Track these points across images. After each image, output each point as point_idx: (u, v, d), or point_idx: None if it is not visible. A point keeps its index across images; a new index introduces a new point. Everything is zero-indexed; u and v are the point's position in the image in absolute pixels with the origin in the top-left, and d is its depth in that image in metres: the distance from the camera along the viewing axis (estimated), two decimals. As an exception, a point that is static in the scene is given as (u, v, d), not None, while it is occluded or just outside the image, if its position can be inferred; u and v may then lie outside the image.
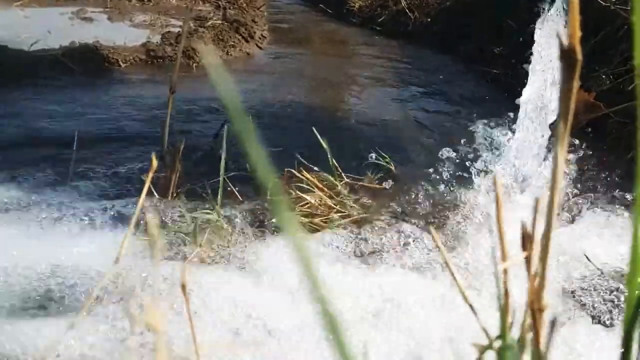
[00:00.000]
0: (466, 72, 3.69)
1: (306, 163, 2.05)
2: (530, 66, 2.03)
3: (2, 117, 2.63)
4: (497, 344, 0.48)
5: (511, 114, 2.30)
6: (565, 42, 0.38)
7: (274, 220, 1.80)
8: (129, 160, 2.25)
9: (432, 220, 1.90)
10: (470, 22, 4.04)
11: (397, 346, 1.33)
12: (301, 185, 1.95)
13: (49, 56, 3.37)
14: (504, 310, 0.48)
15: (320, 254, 1.69)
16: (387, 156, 2.25)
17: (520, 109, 2.06)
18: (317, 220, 1.85)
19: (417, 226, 1.86)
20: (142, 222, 1.76)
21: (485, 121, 2.59)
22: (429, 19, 4.54)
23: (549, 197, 0.42)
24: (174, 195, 1.90)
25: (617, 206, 1.99)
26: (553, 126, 2.06)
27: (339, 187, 1.99)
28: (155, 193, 1.90)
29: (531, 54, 2.00)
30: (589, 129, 2.41)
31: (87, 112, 2.77)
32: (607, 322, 1.46)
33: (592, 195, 2.06)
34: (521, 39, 2.98)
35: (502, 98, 3.04)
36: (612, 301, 1.53)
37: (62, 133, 2.46)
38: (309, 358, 1.29)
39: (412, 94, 3.35)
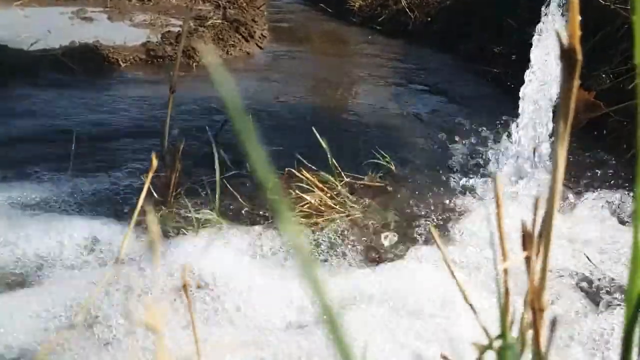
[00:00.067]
0: (466, 71, 3.68)
1: (306, 163, 2.05)
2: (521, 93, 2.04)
3: (1, 116, 2.63)
4: (498, 343, 0.48)
5: (511, 113, 2.29)
6: (565, 41, 0.38)
7: (274, 219, 1.80)
8: (129, 160, 2.25)
9: (433, 219, 1.90)
10: (471, 21, 4.04)
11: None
12: (301, 185, 1.95)
13: (49, 56, 3.37)
14: (504, 309, 0.48)
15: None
16: (387, 156, 2.25)
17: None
18: (317, 220, 1.85)
19: (417, 225, 1.86)
20: (142, 221, 1.76)
21: (486, 120, 2.59)
22: (429, 18, 4.53)
23: (549, 196, 0.42)
24: (174, 194, 1.90)
25: (617, 205, 1.99)
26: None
27: (339, 187, 1.99)
28: (155, 193, 1.90)
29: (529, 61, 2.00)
30: (590, 128, 2.41)
31: (86, 111, 2.77)
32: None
33: (592, 194, 2.06)
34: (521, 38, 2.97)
35: (502, 97, 3.05)
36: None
37: (61, 133, 2.46)
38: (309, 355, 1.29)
39: (412, 93, 3.35)
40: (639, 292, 0.41)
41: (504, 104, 2.56)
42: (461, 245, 1.76)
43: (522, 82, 2.12)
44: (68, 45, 3.50)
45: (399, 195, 2.06)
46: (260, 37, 4.22)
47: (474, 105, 3.02)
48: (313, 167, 2.05)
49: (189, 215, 1.80)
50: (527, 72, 2.04)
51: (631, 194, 2.02)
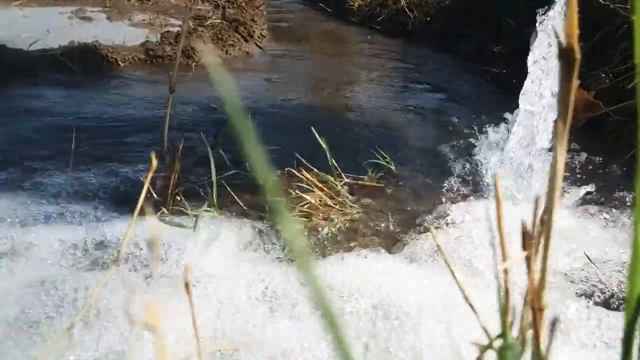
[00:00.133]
0: (465, 71, 3.68)
1: (306, 163, 2.05)
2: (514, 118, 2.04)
3: (0, 116, 2.63)
4: (498, 343, 0.48)
5: (510, 113, 2.29)
6: (564, 40, 0.38)
7: (273, 219, 1.80)
8: (128, 160, 2.25)
9: (432, 218, 1.90)
10: (470, 21, 4.04)
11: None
12: (301, 184, 1.95)
13: (48, 56, 3.37)
14: (504, 309, 0.48)
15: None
16: (387, 156, 2.25)
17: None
18: (317, 219, 1.85)
19: (417, 225, 1.86)
20: (142, 221, 1.76)
21: (485, 120, 2.59)
22: (428, 18, 4.54)
23: (549, 196, 0.42)
24: (174, 194, 1.90)
25: (617, 205, 1.99)
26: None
27: (339, 187, 1.99)
28: (154, 193, 1.90)
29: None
30: (589, 128, 2.41)
31: (86, 111, 2.76)
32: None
33: (591, 194, 2.06)
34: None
35: (501, 97, 3.04)
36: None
37: (61, 132, 2.46)
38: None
39: (411, 92, 3.35)
40: (639, 292, 0.41)
41: (503, 104, 2.56)
42: (461, 244, 1.76)
43: (522, 82, 2.12)
44: (67, 45, 3.50)
45: (399, 196, 2.06)
46: (259, 37, 4.21)
47: (473, 105, 3.02)
48: (313, 167, 2.04)
49: (189, 214, 1.80)
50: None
51: (632, 193, 2.02)
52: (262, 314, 1.43)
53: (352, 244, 1.76)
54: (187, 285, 0.67)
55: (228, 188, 1.94)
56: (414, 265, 1.66)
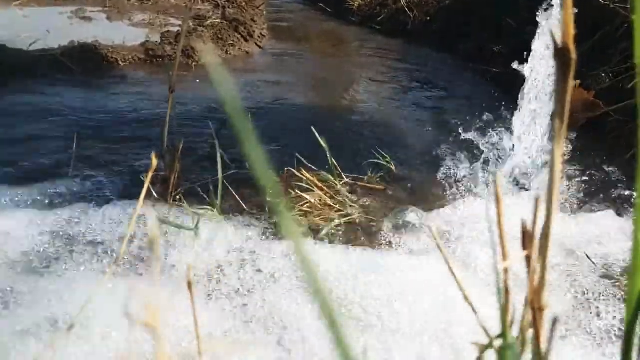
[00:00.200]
0: (465, 71, 3.68)
1: (306, 162, 2.05)
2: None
3: (0, 116, 2.63)
4: (498, 342, 0.48)
5: (510, 113, 2.29)
6: (559, 40, 0.38)
7: (273, 218, 1.81)
8: (128, 160, 2.25)
9: (432, 218, 1.90)
10: (470, 20, 4.04)
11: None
12: (301, 184, 1.95)
13: (48, 56, 3.37)
14: (504, 308, 0.48)
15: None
16: (387, 155, 2.25)
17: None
18: (316, 219, 1.85)
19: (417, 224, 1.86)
20: (142, 220, 1.76)
21: (485, 119, 2.59)
22: (428, 18, 4.53)
23: (548, 195, 0.42)
24: (174, 194, 1.90)
25: (617, 205, 1.99)
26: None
27: (339, 187, 1.99)
28: (154, 192, 1.90)
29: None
30: (589, 128, 2.41)
31: (86, 111, 2.76)
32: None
33: (591, 194, 2.06)
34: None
35: (501, 97, 3.04)
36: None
37: (61, 132, 2.46)
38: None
39: (411, 92, 3.35)
40: (639, 292, 0.41)
41: (503, 104, 2.56)
42: (461, 244, 1.76)
43: (522, 81, 2.12)
44: (67, 45, 3.50)
45: (398, 195, 2.06)
46: (259, 37, 4.21)
47: (473, 105, 3.02)
48: (313, 166, 2.05)
49: (189, 213, 1.80)
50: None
51: (632, 192, 2.02)
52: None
53: (351, 243, 1.76)
54: (189, 284, 0.67)
55: (230, 187, 1.94)
56: (413, 264, 1.66)
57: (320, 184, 1.96)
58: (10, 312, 1.40)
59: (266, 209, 1.88)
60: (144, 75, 3.41)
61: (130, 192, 2.00)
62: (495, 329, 0.48)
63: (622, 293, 1.55)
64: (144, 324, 0.42)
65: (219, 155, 1.91)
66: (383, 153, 2.25)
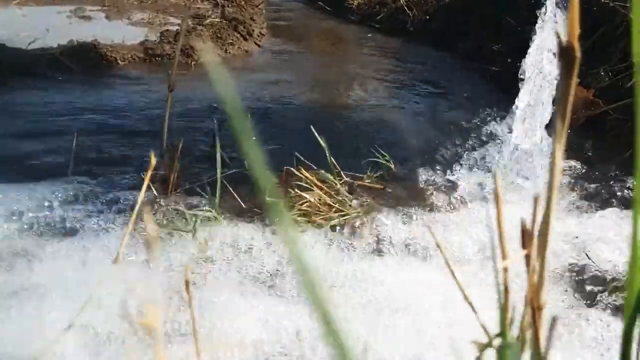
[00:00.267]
0: (465, 70, 3.68)
1: (305, 161, 2.05)
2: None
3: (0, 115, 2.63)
4: (497, 342, 0.48)
5: (510, 112, 2.29)
6: (564, 39, 0.38)
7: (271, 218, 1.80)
8: (127, 159, 2.25)
9: (432, 217, 1.90)
10: (469, 19, 4.03)
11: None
12: (300, 183, 1.95)
13: (47, 55, 3.37)
14: (503, 308, 0.48)
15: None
16: (386, 154, 2.24)
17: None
18: (316, 218, 1.85)
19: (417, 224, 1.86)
20: (141, 220, 1.75)
21: (484, 118, 2.59)
22: (428, 17, 4.53)
23: (547, 194, 0.42)
24: (173, 193, 1.90)
25: (616, 204, 1.99)
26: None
27: (338, 186, 1.99)
28: (154, 191, 1.90)
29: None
30: (589, 126, 2.41)
31: (85, 110, 2.76)
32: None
33: (590, 192, 2.06)
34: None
35: (501, 96, 3.04)
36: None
37: (60, 131, 2.45)
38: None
39: (411, 91, 3.35)
40: (638, 292, 0.41)
41: (502, 102, 2.56)
42: (461, 243, 1.76)
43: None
44: (66, 44, 3.49)
45: (398, 194, 2.06)
46: (258, 36, 4.21)
47: (472, 104, 3.01)
48: (312, 165, 2.04)
49: (188, 213, 1.80)
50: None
51: (631, 191, 2.02)
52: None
53: (350, 242, 1.75)
54: (187, 284, 0.67)
55: (228, 186, 1.94)
56: (413, 263, 1.66)
57: (319, 183, 1.96)
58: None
59: (264, 208, 1.88)
60: (143, 74, 3.40)
61: (129, 191, 2.00)
62: (493, 328, 0.48)
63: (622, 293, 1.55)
64: (143, 325, 0.42)
65: (218, 154, 1.91)
66: (382, 152, 2.25)
